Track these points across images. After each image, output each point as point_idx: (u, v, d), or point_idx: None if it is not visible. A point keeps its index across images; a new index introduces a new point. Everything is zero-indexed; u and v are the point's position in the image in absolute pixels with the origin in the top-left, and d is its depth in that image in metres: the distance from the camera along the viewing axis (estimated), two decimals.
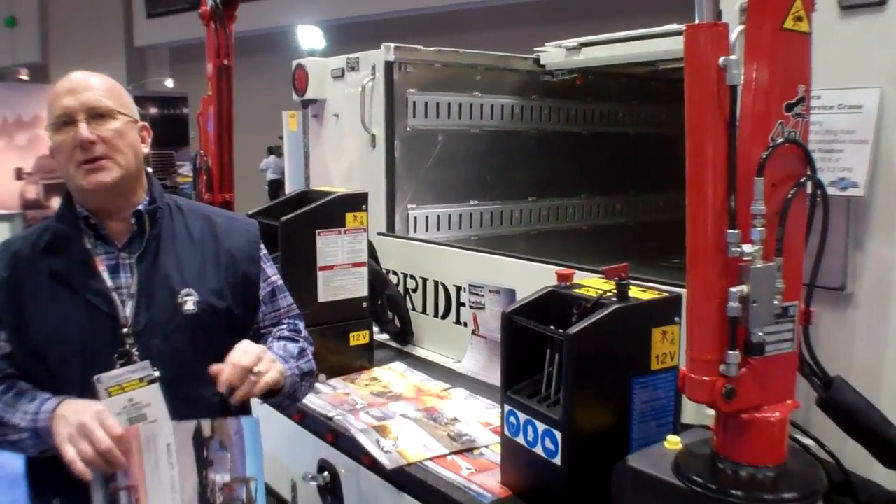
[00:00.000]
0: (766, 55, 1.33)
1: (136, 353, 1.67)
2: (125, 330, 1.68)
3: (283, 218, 2.54)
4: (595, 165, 3.94)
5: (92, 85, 1.71)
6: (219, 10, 3.74)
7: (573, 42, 3.48)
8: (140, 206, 1.76)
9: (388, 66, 3.20)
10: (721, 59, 1.28)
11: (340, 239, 2.62)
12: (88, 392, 1.60)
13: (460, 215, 3.48)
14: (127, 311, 1.70)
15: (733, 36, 1.34)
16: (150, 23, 17.58)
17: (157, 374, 1.65)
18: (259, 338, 1.89)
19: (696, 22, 1.31)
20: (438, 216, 3.41)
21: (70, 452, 1.53)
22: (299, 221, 2.56)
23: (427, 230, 3.36)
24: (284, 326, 1.95)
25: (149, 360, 1.65)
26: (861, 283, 1.82)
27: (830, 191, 1.75)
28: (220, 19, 3.77)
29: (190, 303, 1.74)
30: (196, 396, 1.72)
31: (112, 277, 1.72)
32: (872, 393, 1.61)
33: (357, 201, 2.67)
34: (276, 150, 16.50)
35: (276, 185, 14.87)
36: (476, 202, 3.54)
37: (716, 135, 1.29)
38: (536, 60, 3.62)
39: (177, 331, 1.72)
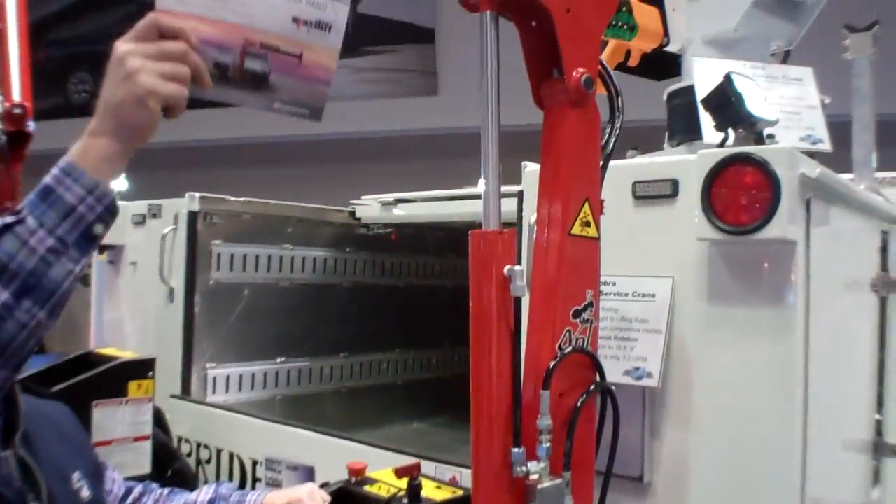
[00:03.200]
0: (553, 262, 1.29)
1: None
2: None
3: (56, 388, 2.28)
4: (410, 319, 3.88)
5: None
6: (3, 149, 3.30)
7: (389, 197, 3.46)
8: None
9: (192, 216, 3.04)
10: (506, 269, 1.23)
11: (121, 410, 2.38)
12: None
13: (265, 374, 3.29)
14: None
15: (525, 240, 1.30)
16: None
17: None
18: None
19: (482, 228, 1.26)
20: (241, 375, 3.19)
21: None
22: (74, 392, 2.29)
23: (227, 391, 3.14)
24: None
25: None
26: (658, 472, 1.79)
27: (625, 380, 1.73)
28: (4, 160, 3.35)
29: (84, 488, 1.39)
30: None
31: None
32: None
33: (142, 368, 2.44)
34: None
35: None
36: (283, 359, 3.36)
37: (499, 346, 1.22)
38: (352, 213, 3.57)
39: None
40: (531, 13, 1.40)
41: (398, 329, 3.85)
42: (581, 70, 1.37)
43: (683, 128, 2.20)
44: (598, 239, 1.37)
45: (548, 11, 1.34)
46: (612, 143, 1.47)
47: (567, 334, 1.29)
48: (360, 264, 3.66)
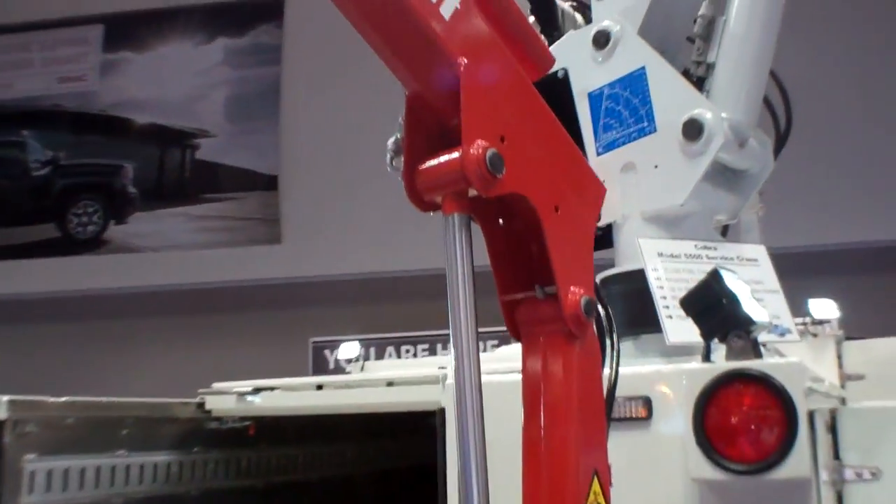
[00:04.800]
0: None
1: None
2: None
3: None
4: None
5: None
6: None
7: (246, 386, 2.91)
8: None
9: None
10: None
11: None
12: None
13: None
14: None
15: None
16: None
17: None
18: None
19: None
20: None
21: None
22: None
23: None
24: None
25: None
26: None
27: None
28: None
29: None
30: None
31: None
32: None
33: None
34: None
35: None
36: None
37: None
38: (201, 405, 2.98)
39: None
40: (500, 210, 1.00)
41: None
42: (577, 290, 0.97)
43: (625, 320, 1.85)
44: None
45: (533, 211, 0.94)
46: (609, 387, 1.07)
47: None
48: (210, 466, 3.04)
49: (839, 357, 2.74)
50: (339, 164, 9.38)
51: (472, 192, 0.91)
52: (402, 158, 1.00)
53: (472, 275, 0.90)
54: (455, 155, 0.89)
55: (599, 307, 1.10)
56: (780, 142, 2.13)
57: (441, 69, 0.90)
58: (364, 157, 9.39)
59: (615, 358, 1.08)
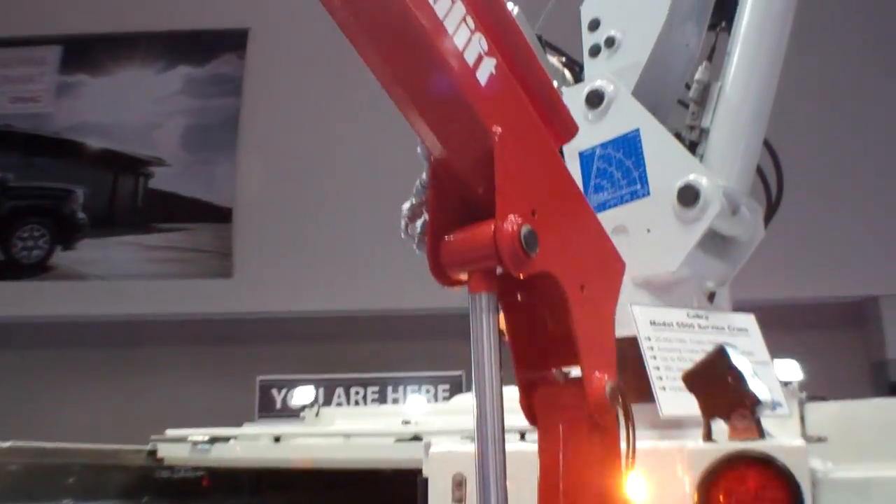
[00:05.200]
0: None
1: None
2: None
3: None
4: None
5: None
6: None
7: (201, 434, 2.79)
8: None
9: None
10: None
11: None
12: None
13: None
14: None
15: None
16: None
17: None
18: None
19: None
20: None
21: None
22: None
23: None
24: None
25: None
26: None
27: None
28: None
29: None
30: None
31: None
32: None
33: None
34: None
35: None
36: None
37: None
38: (153, 453, 2.85)
39: None
40: (520, 283, 0.94)
41: None
42: (601, 375, 0.91)
43: None
44: None
45: (560, 290, 0.88)
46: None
47: None
48: None
49: (802, 419, 2.73)
50: (295, 201, 9.25)
51: (500, 269, 0.85)
52: (419, 226, 0.94)
53: (500, 359, 0.84)
54: (485, 229, 0.83)
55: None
56: (771, 210, 2.12)
57: (474, 137, 0.85)
58: (320, 194, 9.32)
59: (631, 450, 1.01)
